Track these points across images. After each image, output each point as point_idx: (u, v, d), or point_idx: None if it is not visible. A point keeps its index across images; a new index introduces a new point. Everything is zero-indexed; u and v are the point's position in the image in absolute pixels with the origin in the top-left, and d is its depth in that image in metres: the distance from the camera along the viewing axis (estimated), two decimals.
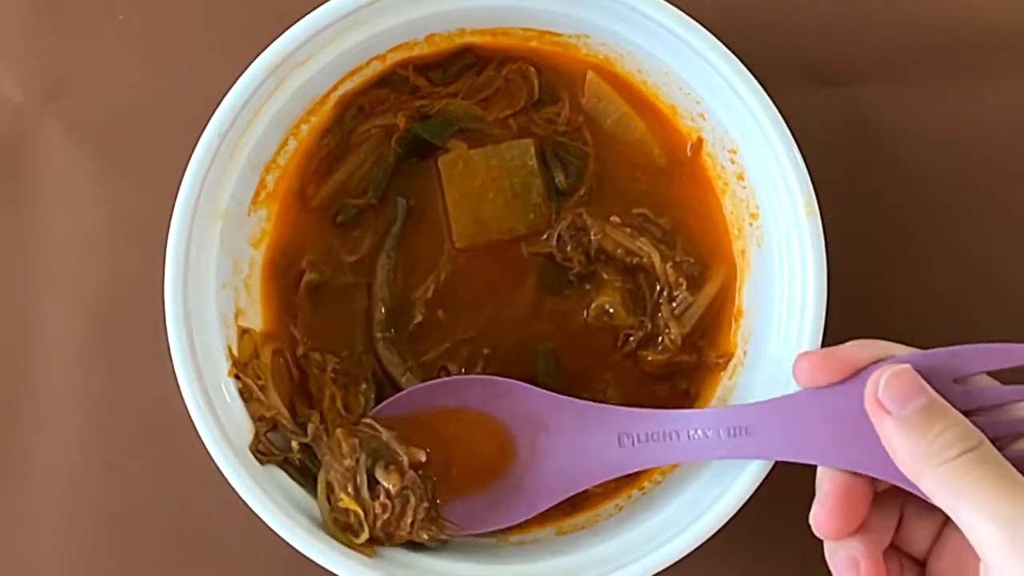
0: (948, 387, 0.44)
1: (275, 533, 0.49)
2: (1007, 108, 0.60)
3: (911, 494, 0.44)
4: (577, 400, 0.51)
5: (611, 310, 0.54)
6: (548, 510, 0.53)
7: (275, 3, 0.55)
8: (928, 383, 0.43)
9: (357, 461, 0.50)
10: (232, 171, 0.52)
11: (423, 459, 0.50)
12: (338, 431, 0.51)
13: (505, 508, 0.51)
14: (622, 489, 0.54)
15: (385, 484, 0.50)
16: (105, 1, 0.60)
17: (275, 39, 0.50)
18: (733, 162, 0.54)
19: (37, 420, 0.58)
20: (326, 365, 0.53)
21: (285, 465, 0.52)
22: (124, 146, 0.60)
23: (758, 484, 0.49)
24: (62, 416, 0.58)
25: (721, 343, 0.55)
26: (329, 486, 0.51)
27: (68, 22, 0.60)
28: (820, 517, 0.45)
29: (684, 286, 0.54)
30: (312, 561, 0.49)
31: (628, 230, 0.54)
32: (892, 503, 0.46)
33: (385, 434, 0.50)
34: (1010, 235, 0.59)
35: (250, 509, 0.49)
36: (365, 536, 0.50)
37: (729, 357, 0.54)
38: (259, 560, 0.57)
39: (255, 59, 0.50)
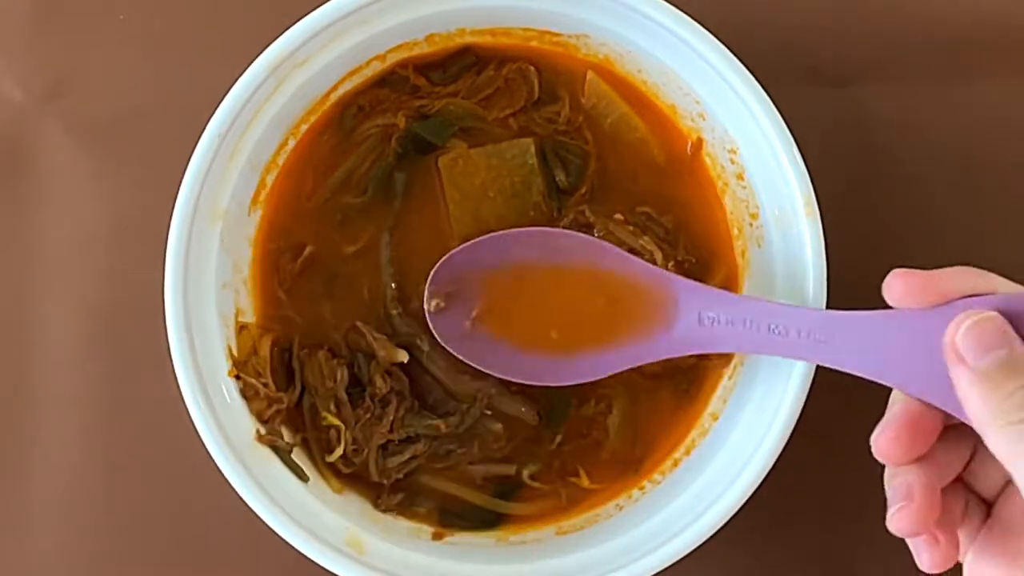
0: None
1: (275, 533, 0.49)
2: (1007, 108, 0.60)
3: None
4: (658, 269, 0.51)
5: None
6: (547, 508, 0.53)
7: (275, 3, 0.55)
8: (1018, 328, 0.41)
9: (335, 380, 0.51)
10: (232, 171, 0.52)
11: (403, 359, 0.51)
12: (320, 353, 0.52)
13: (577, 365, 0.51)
14: (622, 489, 0.54)
15: (369, 389, 0.51)
16: (105, 1, 0.60)
17: (275, 39, 0.50)
18: (733, 162, 0.54)
19: (37, 420, 0.58)
20: (320, 350, 0.53)
21: (289, 457, 0.52)
22: (124, 146, 0.60)
23: (758, 484, 0.50)
24: (62, 416, 0.58)
25: None
26: (313, 408, 0.52)
27: (68, 22, 0.60)
28: (882, 441, 0.43)
29: None
30: (312, 561, 0.49)
31: (631, 228, 0.54)
32: (965, 438, 0.45)
33: (370, 336, 0.52)
34: (1010, 235, 0.59)
35: (250, 509, 0.49)
36: (339, 452, 0.51)
37: (729, 357, 0.55)
38: (259, 560, 0.57)
39: (255, 59, 0.50)
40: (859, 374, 0.45)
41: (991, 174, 0.59)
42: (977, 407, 0.40)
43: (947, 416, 0.43)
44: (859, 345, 0.45)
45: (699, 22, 0.50)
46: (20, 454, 0.58)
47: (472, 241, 0.52)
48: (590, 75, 0.55)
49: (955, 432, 0.45)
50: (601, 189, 0.55)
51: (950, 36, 0.60)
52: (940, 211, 0.59)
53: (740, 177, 0.54)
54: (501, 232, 0.52)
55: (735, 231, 0.55)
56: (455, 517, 0.54)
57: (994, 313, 0.41)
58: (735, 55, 0.50)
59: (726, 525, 0.49)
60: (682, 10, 0.50)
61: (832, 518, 0.58)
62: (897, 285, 0.43)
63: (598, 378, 0.51)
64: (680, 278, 0.50)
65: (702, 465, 0.53)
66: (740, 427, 0.52)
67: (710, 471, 0.52)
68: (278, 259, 0.54)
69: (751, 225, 0.54)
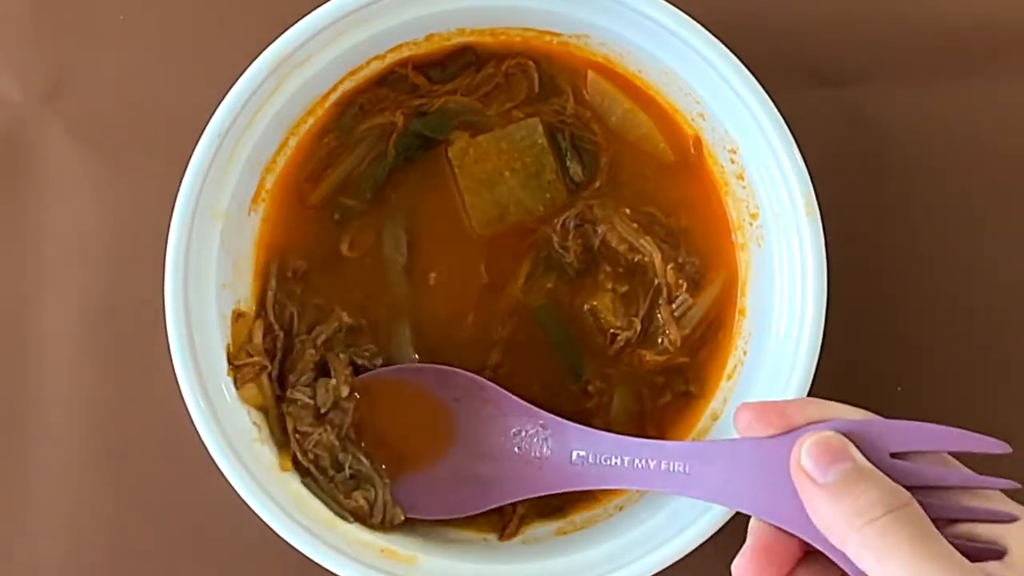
0: (885, 460, 0.42)
1: (275, 533, 0.49)
2: (1008, 108, 0.60)
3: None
4: (536, 410, 0.52)
5: (601, 313, 0.54)
6: (546, 507, 0.53)
7: (275, 3, 0.55)
8: (863, 453, 0.42)
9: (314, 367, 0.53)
10: (232, 171, 0.52)
11: (343, 395, 0.52)
12: (307, 352, 0.53)
13: (450, 497, 0.52)
14: (622, 490, 0.55)
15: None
16: (105, 1, 0.60)
17: (275, 39, 0.50)
18: (733, 162, 0.54)
19: (37, 420, 0.58)
20: (317, 339, 0.54)
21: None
22: (124, 146, 0.60)
23: None
24: (62, 416, 0.58)
25: (721, 344, 0.55)
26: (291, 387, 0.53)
27: (68, 22, 0.60)
28: (740, 567, 0.44)
29: (684, 288, 0.54)
30: (312, 561, 0.49)
31: (635, 225, 0.54)
32: (827, 564, 0.44)
33: (335, 360, 0.53)
34: (1010, 235, 0.59)
35: (250, 509, 0.49)
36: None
37: (727, 357, 0.55)
38: (260, 560, 0.57)
39: (255, 59, 0.50)
40: (716, 503, 0.47)
41: (992, 174, 0.59)
42: (831, 519, 0.41)
43: (806, 543, 0.44)
44: (714, 474, 0.46)
45: (699, 22, 0.50)
46: (20, 454, 0.58)
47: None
48: (591, 74, 0.55)
49: (813, 560, 0.44)
50: (614, 184, 0.55)
51: (951, 36, 0.60)
52: (940, 211, 0.59)
53: (740, 177, 0.54)
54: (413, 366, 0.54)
55: (735, 231, 0.55)
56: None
57: (831, 432, 0.42)
58: (735, 55, 0.50)
59: (726, 525, 0.49)
60: (682, 10, 0.50)
61: None
62: (744, 415, 0.45)
63: (489, 507, 0.52)
64: (553, 417, 0.51)
65: None
66: None
67: None
68: (277, 261, 0.54)
69: (751, 225, 0.54)
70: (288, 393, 0.53)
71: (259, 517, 0.49)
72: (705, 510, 0.50)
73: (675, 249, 0.54)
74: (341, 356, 0.53)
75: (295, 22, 0.50)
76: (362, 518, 0.52)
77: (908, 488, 0.41)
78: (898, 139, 0.59)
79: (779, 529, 0.44)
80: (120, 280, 0.59)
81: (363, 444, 0.53)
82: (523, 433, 0.51)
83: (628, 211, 0.54)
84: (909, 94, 0.59)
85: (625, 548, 0.51)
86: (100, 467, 0.58)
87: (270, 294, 0.54)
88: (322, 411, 0.52)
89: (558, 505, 0.54)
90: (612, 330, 0.54)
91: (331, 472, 0.52)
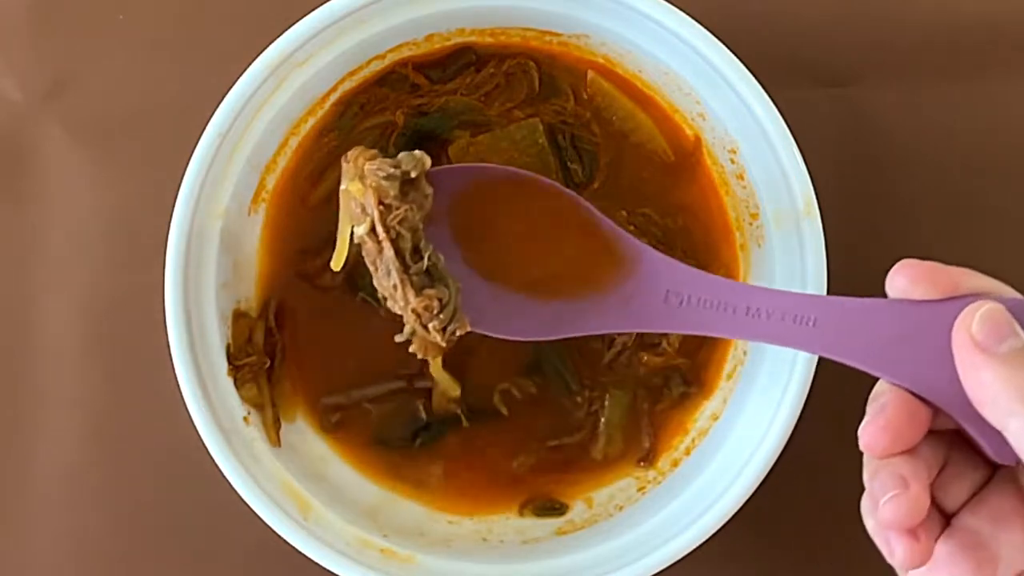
0: None
1: (276, 533, 0.49)
2: (1008, 108, 0.60)
3: (956, 443, 0.42)
4: (631, 238, 0.48)
5: None
6: (546, 507, 0.54)
7: (275, 3, 0.55)
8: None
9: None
10: (232, 171, 0.52)
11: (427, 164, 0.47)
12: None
13: (527, 319, 0.48)
14: (622, 487, 0.55)
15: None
16: (105, 1, 0.60)
17: (275, 39, 0.50)
18: (733, 162, 0.54)
19: (37, 419, 0.58)
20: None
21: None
22: (124, 146, 0.60)
23: (758, 484, 0.50)
24: (62, 415, 0.58)
25: (721, 344, 0.55)
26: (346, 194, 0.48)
27: (68, 22, 0.60)
28: (871, 432, 0.42)
29: None
30: (312, 561, 0.49)
31: (632, 228, 0.54)
32: (940, 447, 0.43)
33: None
34: (1010, 235, 0.59)
35: (250, 508, 0.49)
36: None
37: (727, 357, 0.55)
38: (259, 560, 0.57)
39: (255, 59, 0.50)
40: (843, 361, 0.44)
41: (992, 174, 0.59)
42: (998, 392, 0.39)
43: (932, 418, 0.42)
44: (851, 332, 0.43)
45: (699, 22, 0.50)
46: (20, 453, 0.58)
47: (447, 167, 0.50)
48: (591, 75, 0.55)
49: (931, 439, 0.43)
50: (612, 185, 0.55)
51: (951, 36, 0.60)
52: (941, 211, 0.59)
53: (740, 177, 0.54)
54: (475, 164, 0.50)
55: (735, 231, 0.55)
56: None
57: (1002, 306, 0.41)
58: (735, 55, 0.50)
59: (726, 525, 0.49)
60: (682, 10, 0.50)
61: (832, 518, 0.58)
62: (904, 274, 0.42)
63: (556, 337, 0.49)
64: (651, 251, 0.48)
65: (702, 465, 0.53)
66: (740, 427, 0.52)
67: (710, 471, 0.52)
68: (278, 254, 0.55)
69: (751, 225, 0.54)
70: (368, 166, 0.47)
71: (259, 518, 0.49)
72: (705, 510, 0.50)
73: (671, 250, 0.54)
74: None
75: (295, 22, 0.50)
76: (424, 317, 0.47)
77: None
78: (898, 139, 0.59)
79: (914, 398, 0.42)
80: (120, 280, 0.59)
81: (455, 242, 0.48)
82: (604, 276, 0.48)
83: (625, 213, 0.54)
84: (908, 94, 0.59)
85: (625, 548, 0.51)
86: (100, 467, 0.58)
87: (273, 302, 0.54)
88: (411, 175, 0.46)
89: (558, 505, 0.55)
90: (609, 334, 0.54)
91: (408, 260, 0.47)
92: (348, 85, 0.54)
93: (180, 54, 0.60)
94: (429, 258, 0.47)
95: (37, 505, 0.58)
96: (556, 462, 0.55)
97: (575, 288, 0.48)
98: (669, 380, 0.55)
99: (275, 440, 0.53)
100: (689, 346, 0.55)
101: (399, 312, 0.47)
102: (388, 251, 0.46)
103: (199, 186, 0.50)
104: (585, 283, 0.48)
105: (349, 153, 0.47)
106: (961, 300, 0.41)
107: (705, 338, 0.55)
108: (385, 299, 0.48)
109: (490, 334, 0.48)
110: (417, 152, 0.47)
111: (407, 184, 0.46)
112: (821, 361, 0.50)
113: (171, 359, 0.50)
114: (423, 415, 0.54)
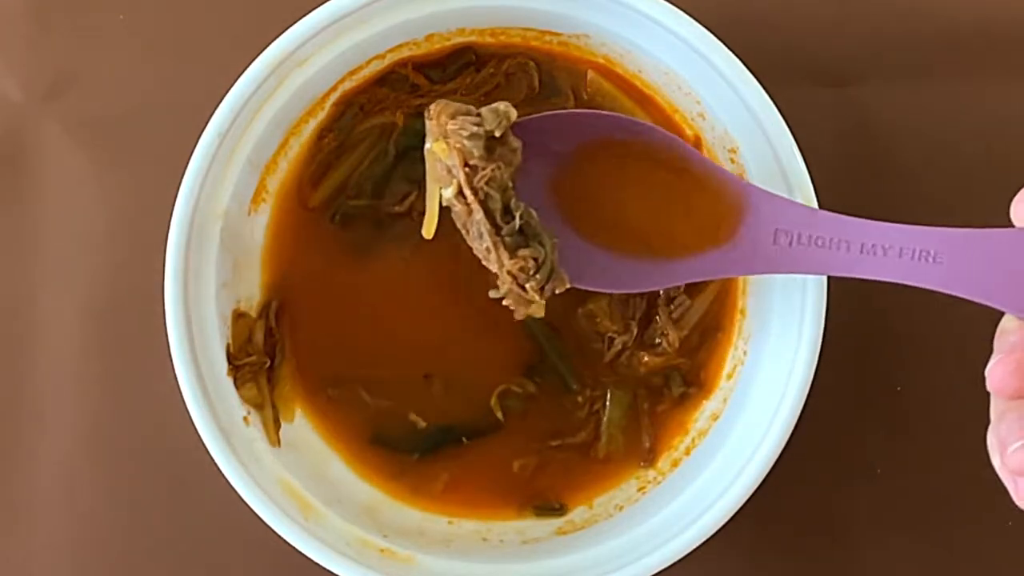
0: None
1: (276, 533, 0.49)
2: (1009, 107, 0.60)
3: None
4: (732, 175, 0.47)
5: (597, 317, 0.54)
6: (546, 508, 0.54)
7: (275, 3, 0.55)
8: None
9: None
10: (232, 171, 0.52)
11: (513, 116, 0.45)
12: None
13: (625, 271, 0.47)
14: (622, 487, 0.55)
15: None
16: (105, 1, 0.60)
17: (275, 39, 0.50)
18: (733, 162, 0.54)
19: (37, 419, 0.58)
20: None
21: None
22: (124, 146, 0.60)
23: (758, 484, 0.50)
24: (62, 415, 0.58)
25: (721, 344, 0.55)
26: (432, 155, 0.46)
27: (68, 22, 0.60)
28: (999, 374, 0.39)
29: (682, 288, 0.54)
30: (313, 561, 0.49)
31: None
32: None
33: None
34: None
35: (250, 508, 0.49)
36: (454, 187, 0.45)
37: (727, 357, 0.55)
38: (259, 560, 0.57)
39: (255, 59, 0.50)
40: (974, 299, 0.41)
41: (993, 174, 0.59)
42: None
43: None
44: (975, 265, 0.41)
45: (699, 22, 0.50)
46: (20, 453, 0.58)
47: (540, 115, 0.48)
48: (591, 74, 0.55)
49: None
50: None
51: (951, 36, 0.60)
52: (941, 211, 0.59)
53: (740, 177, 0.54)
54: (569, 112, 0.48)
55: None
56: None
57: None
58: (735, 55, 0.50)
59: (726, 525, 0.49)
60: (682, 10, 0.50)
61: (832, 519, 0.58)
62: None
63: (662, 287, 0.47)
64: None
65: (702, 465, 0.53)
66: (740, 427, 0.52)
67: (710, 471, 0.52)
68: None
69: None
70: (451, 125, 0.46)
71: (259, 518, 0.49)
72: (705, 510, 0.50)
73: None
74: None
75: (295, 22, 0.50)
76: (520, 278, 0.45)
77: None
78: (898, 139, 0.59)
79: None
80: (120, 280, 0.59)
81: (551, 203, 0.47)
82: (711, 217, 0.45)
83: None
84: (909, 94, 0.59)
85: (625, 548, 0.51)
86: (100, 466, 0.58)
87: (274, 303, 0.54)
88: (496, 134, 0.45)
89: (558, 505, 0.55)
90: (609, 334, 0.54)
91: (500, 221, 0.45)
92: (348, 85, 0.54)
93: (180, 54, 0.60)
94: (521, 216, 0.45)
95: (37, 505, 0.58)
96: (558, 464, 0.55)
97: (686, 244, 0.46)
98: (669, 380, 0.55)
99: (275, 440, 0.53)
100: (689, 346, 0.55)
101: (494, 271, 0.45)
102: (478, 213, 0.44)
103: (199, 186, 0.50)
104: (696, 237, 0.46)
105: (432, 108, 0.45)
106: None
107: (705, 338, 0.55)
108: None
109: (591, 289, 0.47)
110: (501, 106, 0.45)
111: (492, 140, 0.44)
112: (821, 361, 0.50)
113: (171, 359, 0.50)
114: (420, 422, 0.54)
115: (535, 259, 0.45)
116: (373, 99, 0.55)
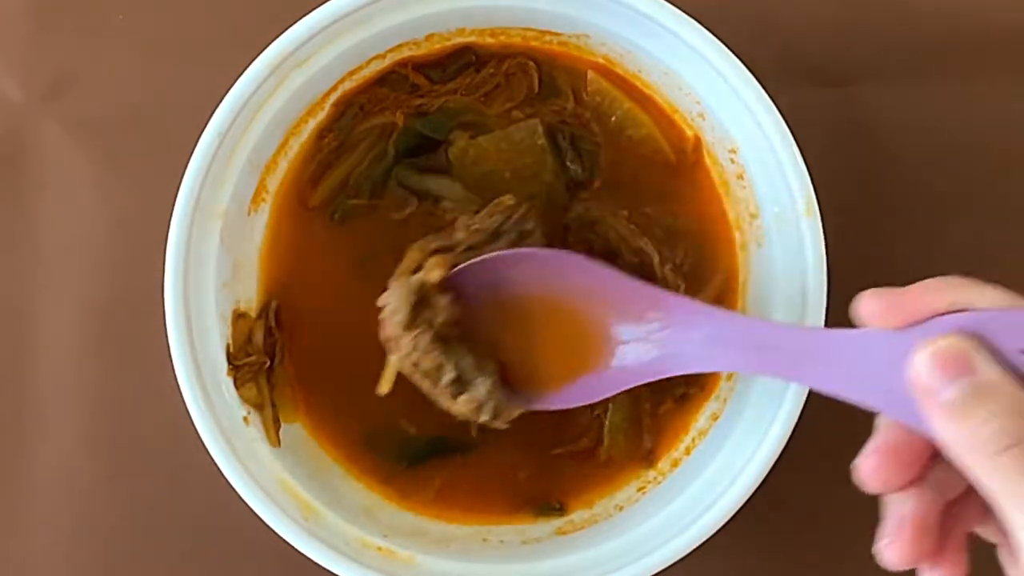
0: (1017, 358, 0.37)
1: (276, 533, 0.49)
2: (1009, 107, 0.60)
3: None
4: (658, 293, 0.48)
5: None
6: (547, 508, 0.54)
7: (275, 3, 0.55)
8: (993, 350, 0.37)
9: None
10: (232, 171, 0.52)
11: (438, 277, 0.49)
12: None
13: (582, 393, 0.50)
14: (622, 488, 0.55)
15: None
16: (105, 1, 0.60)
17: (275, 39, 0.50)
18: (733, 162, 0.54)
19: (37, 420, 0.58)
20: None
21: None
22: (124, 146, 0.60)
23: (758, 485, 0.50)
24: (62, 416, 0.58)
25: None
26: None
27: (68, 22, 0.60)
28: (864, 468, 0.40)
29: (683, 288, 0.54)
30: (313, 561, 0.49)
31: (633, 226, 0.54)
32: None
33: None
34: (1010, 235, 0.59)
35: (250, 508, 0.49)
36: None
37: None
38: (259, 560, 0.57)
39: (255, 59, 0.50)
40: (837, 395, 0.42)
41: (993, 174, 0.59)
42: (951, 443, 0.37)
43: None
44: (846, 365, 0.42)
45: (699, 22, 0.50)
46: (20, 453, 0.58)
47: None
48: (591, 74, 0.55)
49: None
50: (614, 184, 0.55)
51: (951, 36, 0.60)
52: (941, 211, 0.59)
53: (740, 177, 0.54)
54: (488, 256, 0.50)
55: (735, 231, 0.55)
56: None
57: (954, 338, 0.38)
58: (735, 55, 0.50)
59: (726, 525, 0.49)
60: (682, 10, 0.50)
61: (832, 518, 0.58)
62: (865, 306, 0.40)
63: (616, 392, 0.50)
64: (674, 296, 0.48)
65: (702, 465, 0.53)
66: (740, 427, 0.52)
67: (710, 471, 0.52)
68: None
69: (751, 225, 0.54)
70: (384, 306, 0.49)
71: (259, 517, 0.49)
72: (705, 510, 0.50)
73: (673, 250, 0.54)
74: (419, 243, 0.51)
75: (295, 22, 0.50)
76: (473, 416, 0.49)
77: None
78: (898, 139, 0.59)
79: (907, 429, 0.40)
80: (120, 280, 0.59)
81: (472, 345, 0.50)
82: (634, 329, 0.48)
83: (626, 212, 0.54)
84: (909, 94, 0.59)
85: (625, 548, 0.51)
86: (100, 466, 0.58)
87: (274, 303, 0.54)
88: (399, 317, 0.48)
89: (558, 505, 0.55)
90: None
91: (435, 377, 0.49)
92: (348, 85, 0.54)
93: (180, 54, 0.60)
94: (452, 370, 0.49)
95: (37, 505, 0.58)
96: (560, 469, 0.55)
97: (568, 369, 0.50)
98: (670, 380, 0.55)
99: (275, 440, 0.53)
100: None
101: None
102: (414, 375, 0.49)
103: (199, 186, 0.50)
104: (571, 366, 0.50)
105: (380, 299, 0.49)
106: (924, 328, 0.39)
107: None
108: None
109: (548, 408, 0.50)
110: (415, 278, 0.49)
111: (418, 307, 0.49)
112: None
113: (171, 359, 0.50)
114: (411, 428, 0.54)
115: (476, 401, 0.49)
116: (373, 99, 0.55)
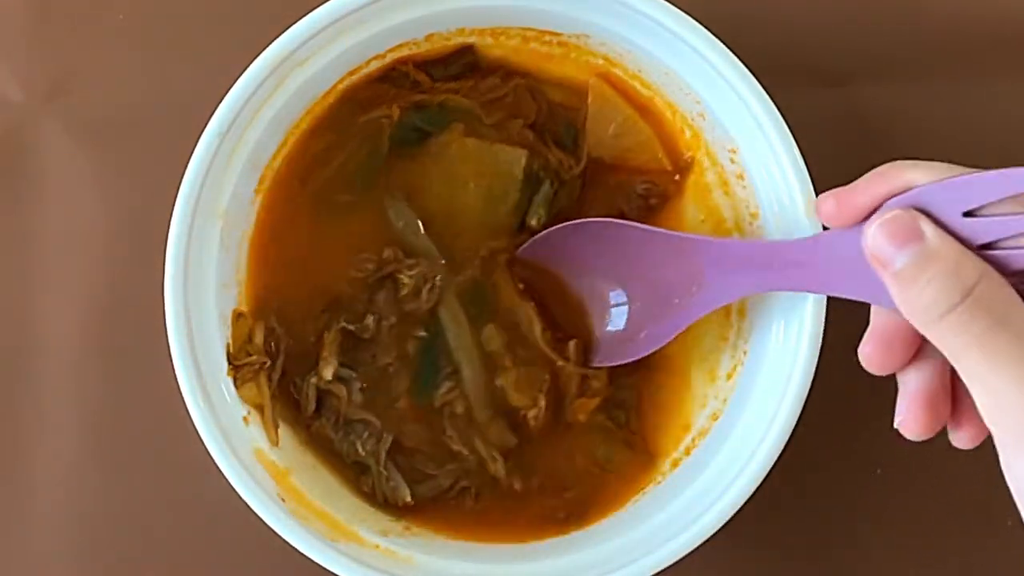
0: (958, 222, 0.40)
1: (275, 533, 0.49)
2: (1009, 107, 0.60)
3: None
4: (677, 234, 0.51)
5: (504, 388, 0.54)
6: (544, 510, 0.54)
7: (275, 3, 0.55)
8: (937, 219, 0.40)
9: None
10: (232, 171, 0.52)
11: (328, 376, 0.53)
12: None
13: (615, 351, 0.53)
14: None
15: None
16: (105, 1, 0.60)
17: (275, 39, 0.50)
18: (733, 162, 0.54)
19: (37, 420, 0.58)
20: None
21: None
22: (124, 146, 0.60)
23: (758, 484, 0.50)
24: (62, 416, 0.58)
25: (719, 345, 0.55)
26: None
27: (68, 22, 0.60)
28: (865, 353, 0.44)
29: (558, 362, 0.54)
30: (312, 560, 0.49)
31: (521, 286, 0.54)
32: None
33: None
34: None
35: (250, 509, 0.49)
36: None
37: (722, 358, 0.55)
38: (259, 560, 0.57)
39: (255, 59, 0.50)
40: (826, 293, 0.47)
41: None
42: (907, 312, 0.40)
43: None
44: (807, 266, 0.45)
45: (699, 22, 0.50)
46: (20, 453, 0.58)
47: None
48: (593, 80, 0.55)
49: None
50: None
51: (952, 35, 0.60)
52: None
53: (740, 177, 0.54)
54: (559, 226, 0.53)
55: (736, 233, 0.55)
56: None
57: (900, 210, 0.40)
58: (735, 55, 0.50)
59: (726, 525, 0.49)
60: (682, 10, 0.50)
61: (833, 518, 0.58)
62: (822, 208, 0.44)
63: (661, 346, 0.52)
64: (700, 237, 0.51)
65: (702, 465, 0.53)
66: (740, 427, 0.52)
67: (710, 471, 0.52)
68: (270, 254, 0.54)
69: (751, 225, 0.54)
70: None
71: (259, 517, 0.49)
72: (705, 510, 0.50)
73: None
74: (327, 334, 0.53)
75: (295, 22, 0.50)
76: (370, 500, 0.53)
77: (990, 244, 0.39)
78: (898, 139, 0.59)
79: (894, 313, 0.42)
80: (120, 280, 0.59)
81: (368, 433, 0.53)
82: (675, 276, 0.51)
83: (522, 286, 0.54)
84: (909, 93, 0.59)
85: (625, 548, 0.51)
86: (100, 467, 0.58)
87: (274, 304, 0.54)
88: (308, 412, 0.53)
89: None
90: (521, 410, 0.54)
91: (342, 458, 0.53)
92: (350, 82, 0.54)
93: (180, 54, 0.60)
94: (346, 455, 0.54)
95: (37, 504, 0.58)
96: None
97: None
98: (612, 413, 0.55)
99: (275, 440, 0.53)
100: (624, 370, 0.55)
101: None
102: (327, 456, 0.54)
103: (199, 186, 0.50)
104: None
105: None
106: (876, 213, 0.42)
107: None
108: None
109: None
110: (312, 377, 0.53)
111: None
112: (821, 360, 0.50)
113: (171, 359, 0.50)
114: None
115: (367, 485, 0.54)
116: (374, 95, 0.55)
